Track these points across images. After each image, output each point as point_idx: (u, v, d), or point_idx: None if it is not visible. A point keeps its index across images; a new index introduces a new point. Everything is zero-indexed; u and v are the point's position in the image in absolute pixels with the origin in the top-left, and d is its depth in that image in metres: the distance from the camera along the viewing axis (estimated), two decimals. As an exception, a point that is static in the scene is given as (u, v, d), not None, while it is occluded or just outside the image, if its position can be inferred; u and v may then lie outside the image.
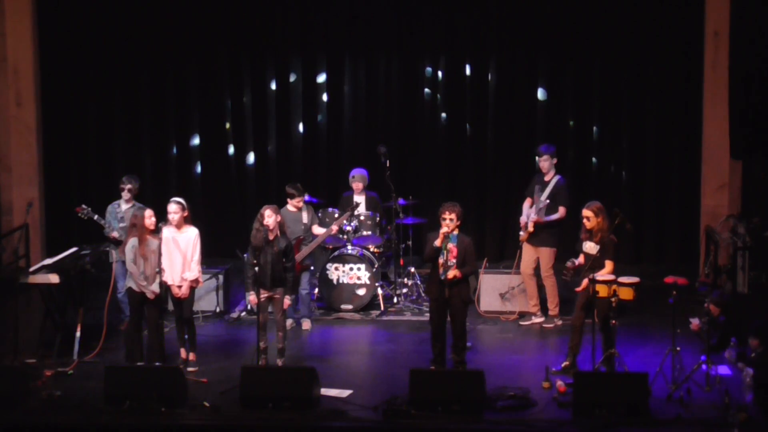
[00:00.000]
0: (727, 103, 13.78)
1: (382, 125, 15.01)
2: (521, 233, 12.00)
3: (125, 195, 11.77)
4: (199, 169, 15.33)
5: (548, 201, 11.78)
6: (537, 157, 12.25)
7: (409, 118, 15.05)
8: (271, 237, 10.29)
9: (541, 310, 12.11)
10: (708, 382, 9.77)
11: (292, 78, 15.08)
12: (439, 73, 14.92)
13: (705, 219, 14.14)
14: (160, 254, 10.36)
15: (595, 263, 10.12)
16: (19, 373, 9.94)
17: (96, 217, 11.64)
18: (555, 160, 12.02)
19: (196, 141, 15.28)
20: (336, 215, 12.66)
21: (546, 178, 11.98)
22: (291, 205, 11.85)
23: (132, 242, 10.33)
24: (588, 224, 10.29)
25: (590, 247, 10.26)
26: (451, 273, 10.08)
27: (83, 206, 11.73)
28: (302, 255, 11.72)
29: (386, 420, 9.14)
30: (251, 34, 14.97)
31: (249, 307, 12.28)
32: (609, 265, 10.21)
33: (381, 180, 13.15)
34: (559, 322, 11.96)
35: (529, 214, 11.91)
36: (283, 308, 10.44)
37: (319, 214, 12.61)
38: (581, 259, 10.33)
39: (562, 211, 11.86)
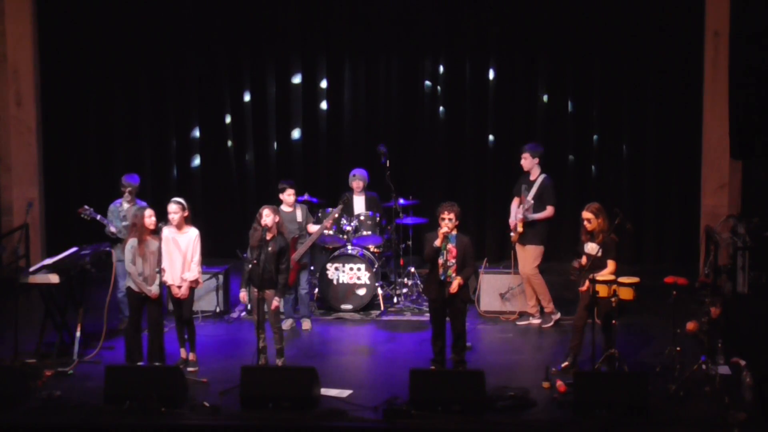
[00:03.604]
0: (727, 103, 13.75)
1: (382, 125, 15.00)
2: (512, 234, 11.99)
3: (127, 196, 11.75)
4: (197, 161, 15.28)
5: (533, 201, 11.77)
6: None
7: (410, 117, 15.04)
8: (268, 237, 10.28)
9: (540, 312, 12.10)
10: (708, 382, 9.77)
11: (294, 79, 15.05)
12: (440, 68, 14.90)
13: (705, 219, 14.13)
14: (160, 255, 10.35)
15: (596, 264, 10.12)
16: (19, 373, 9.93)
17: (99, 217, 11.61)
18: (537, 160, 11.96)
19: (196, 134, 15.28)
20: (336, 215, 12.66)
21: (531, 178, 11.97)
22: (285, 204, 11.84)
23: (131, 242, 10.32)
24: (589, 226, 10.28)
25: (591, 248, 10.25)
26: (455, 284, 10.08)
27: (86, 207, 11.68)
28: (299, 254, 11.72)
29: (386, 420, 9.13)
30: (252, 33, 14.96)
31: (248, 307, 12.29)
32: (611, 264, 10.20)
33: (381, 180, 13.15)
34: (557, 316, 11.95)
35: (516, 214, 11.91)
36: (272, 309, 10.36)
37: (318, 215, 12.61)
38: (583, 260, 10.33)
39: (549, 209, 11.84)
